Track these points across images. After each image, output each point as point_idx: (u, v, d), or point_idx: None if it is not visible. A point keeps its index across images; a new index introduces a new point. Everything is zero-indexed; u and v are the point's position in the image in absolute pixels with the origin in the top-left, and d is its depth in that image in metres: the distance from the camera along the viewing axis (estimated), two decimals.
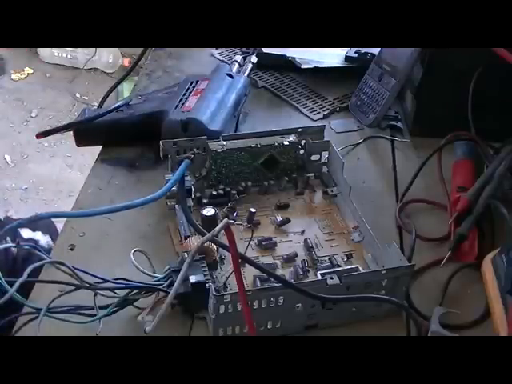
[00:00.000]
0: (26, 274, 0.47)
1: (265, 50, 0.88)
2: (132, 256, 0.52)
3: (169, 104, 0.73)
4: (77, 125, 0.73)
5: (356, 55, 0.88)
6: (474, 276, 0.60)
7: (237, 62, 0.85)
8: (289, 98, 0.85)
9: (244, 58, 0.86)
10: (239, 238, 0.61)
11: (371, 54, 0.86)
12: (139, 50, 0.85)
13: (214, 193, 0.66)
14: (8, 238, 0.69)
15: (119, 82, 0.85)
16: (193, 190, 0.64)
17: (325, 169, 0.70)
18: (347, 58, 0.88)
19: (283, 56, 0.88)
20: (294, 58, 0.87)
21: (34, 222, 0.79)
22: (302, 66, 0.86)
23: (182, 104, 0.72)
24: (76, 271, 0.50)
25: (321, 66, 0.87)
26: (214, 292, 0.49)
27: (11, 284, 0.47)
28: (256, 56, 0.87)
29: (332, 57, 0.89)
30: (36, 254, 0.51)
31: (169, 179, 0.63)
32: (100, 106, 0.81)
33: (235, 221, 0.62)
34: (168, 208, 0.64)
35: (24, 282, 0.48)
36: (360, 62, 0.86)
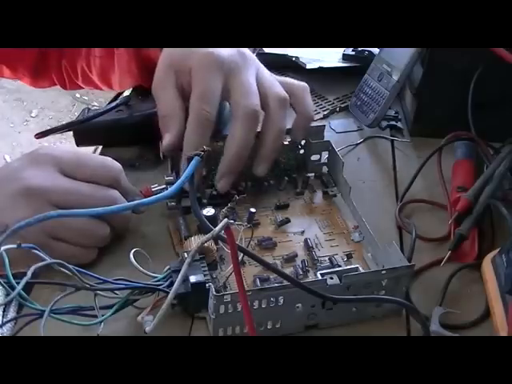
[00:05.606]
0: (29, 273, 0.47)
1: (265, 49, 0.88)
2: (132, 256, 0.52)
3: None
4: (77, 125, 0.73)
5: (353, 53, 0.88)
6: (474, 276, 0.60)
7: None
8: None
9: None
10: (239, 238, 0.61)
11: (368, 51, 0.86)
12: None
13: (214, 193, 0.66)
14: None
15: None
16: None
17: (325, 169, 0.70)
18: (345, 56, 0.89)
19: (284, 56, 0.88)
20: (297, 57, 0.87)
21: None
22: (307, 67, 0.86)
23: None
24: (76, 272, 0.50)
25: (325, 66, 0.87)
26: (213, 292, 0.49)
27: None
28: (256, 56, 0.87)
29: (331, 55, 0.89)
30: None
31: (169, 179, 0.63)
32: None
33: (235, 221, 0.62)
34: (168, 208, 0.64)
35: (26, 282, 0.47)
36: (358, 60, 0.87)
